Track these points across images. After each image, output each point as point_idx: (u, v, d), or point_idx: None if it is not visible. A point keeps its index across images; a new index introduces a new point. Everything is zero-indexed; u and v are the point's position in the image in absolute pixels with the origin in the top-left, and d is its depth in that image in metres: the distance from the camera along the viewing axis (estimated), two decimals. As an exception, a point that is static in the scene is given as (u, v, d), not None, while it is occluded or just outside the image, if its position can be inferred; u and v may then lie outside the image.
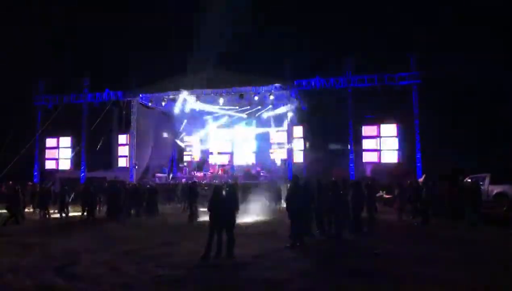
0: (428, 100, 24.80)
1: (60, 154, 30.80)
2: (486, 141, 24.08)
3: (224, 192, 9.70)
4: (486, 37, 26.39)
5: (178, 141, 32.62)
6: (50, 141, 30.85)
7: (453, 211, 15.37)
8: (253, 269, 8.09)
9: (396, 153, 25.20)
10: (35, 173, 29.62)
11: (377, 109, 25.30)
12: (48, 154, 30.85)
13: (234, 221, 9.34)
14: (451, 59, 26.46)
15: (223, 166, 30.34)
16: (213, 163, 31.02)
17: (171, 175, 29.73)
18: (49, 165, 30.78)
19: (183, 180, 27.39)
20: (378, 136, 25.75)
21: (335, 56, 26.84)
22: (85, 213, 17.20)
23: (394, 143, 25.34)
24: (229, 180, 22.87)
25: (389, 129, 25.64)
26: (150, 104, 29.36)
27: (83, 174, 28.85)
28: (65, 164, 30.65)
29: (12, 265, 8.49)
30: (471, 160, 21.89)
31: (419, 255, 9.21)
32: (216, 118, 31.79)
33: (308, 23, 31.61)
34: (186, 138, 33.30)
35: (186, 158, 33.08)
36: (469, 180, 17.28)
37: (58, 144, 30.85)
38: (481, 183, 16.85)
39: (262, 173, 28.40)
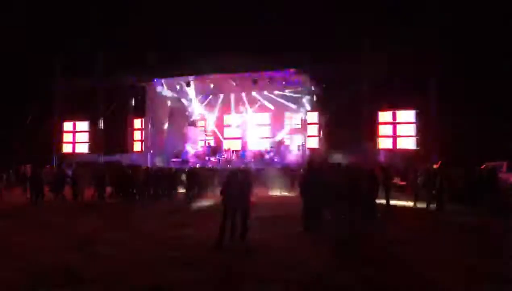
0: (446, 85, 24.35)
1: (76, 137, 31.20)
2: (505, 129, 23.59)
3: (238, 177, 9.77)
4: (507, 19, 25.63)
5: (192, 126, 32.78)
6: (67, 125, 31.25)
7: (468, 198, 15.22)
8: (266, 252, 8.17)
9: (412, 139, 24.91)
10: (53, 156, 30.16)
11: (394, 95, 24.93)
12: (65, 137, 31.29)
13: (248, 205, 9.42)
14: (470, 43, 25.87)
15: (237, 151, 30.45)
16: (226, 148, 31.14)
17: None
18: (66, 148, 31.25)
19: (197, 165, 27.64)
20: (394, 122, 25.46)
21: (351, 40, 26.39)
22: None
23: (411, 129, 25.02)
24: (241, 166, 23.03)
25: (406, 115, 25.31)
26: (164, 88, 29.54)
27: (99, 158, 29.29)
28: (82, 148, 31.07)
29: (34, 244, 8.77)
30: (488, 147, 21.55)
31: (433, 241, 9.18)
32: (229, 103, 31.84)
33: (324, 6, 31.09)
34: (200, 123, 33.48)
35: (200, 143, 33.27)
36: (486, 168, 17.07)
37: (74, 128, 31.24)
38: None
39: (276, 158, 28.47)
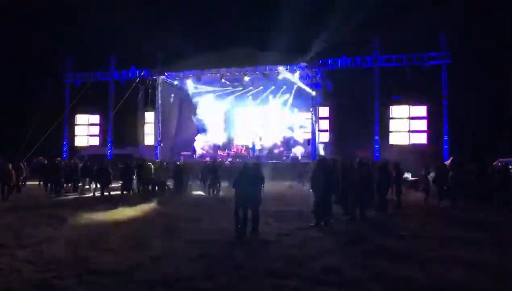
0: (458, 81, 24.15)
1: (88, 130, 31.47)
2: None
3: (249, 170, 9.79)
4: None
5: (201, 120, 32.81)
6: (78, 118, 31.52)
7: (481, 194, 15.09)
8: (278, 246, 8.19)
9: (424, 134, 24.74)
10: (64, 149, 30.46)
11: (405, 90, 24.77)
12: (77, 130, 31.56)
13: (260, 198, 9.44)
14: (484, 38, 25.57)
15: (246, 145, 30.44)
16: (236, 143, 31.13)
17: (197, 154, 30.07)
18: (77, 141, 31.53)
19: (207, 159, 27.79)
20: (406, 117, 25.27)
21: (363, 35, 26.22)
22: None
23: (422, 124, 24.84)
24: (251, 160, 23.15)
25: (417, 111, 25.13)
26: (175, 82, 29.64)
27: (110, 151, 29.51)
28: (92, 141, 31.34)
29: (47, 237, 8.87)
30: (500, 143, 21.34)
31: (445, 236, 9.11)
32: (239, 97, 31.83)
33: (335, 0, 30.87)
34: (210, 117, 33.49)
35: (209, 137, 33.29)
36: (499, 163, 16.88)
37: (86, 121, 31.49)
38: (510, 166, 16.42)
39: (286, 152, 28.46)
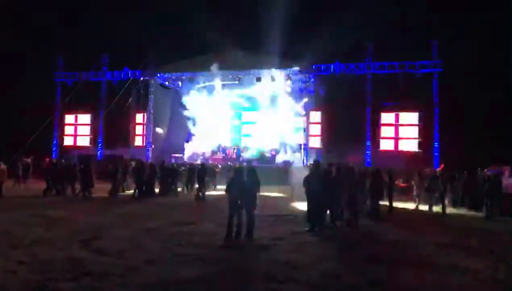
0: (449, 89, 24.47)
1: (78, 130, 31.08)
2: (507, 133, 23.68)
3: (243, 174, 9.76)
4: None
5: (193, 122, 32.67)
6: (69, 118, 31.14)
7: (471, 202, 15.30)
8: (273, 251, 8.16)
9: (415, 141, 24.93)
10: (54, 149, 30.09)
11: (397, 97, 24.99)
12: (67, 130, 31.17)
13: (255, 202, 9.41)
14: (474, 47, 25.99)
15: (235, 148, 30.38)
16: (227, 146, 31.06)
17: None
18: (67, 141, 31.15)
19: (198, 161, 27.68)
20: (397, 124, 25.46)
21: (356, 42, 26.48)
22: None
23: (413, 131, 25.04)
24: (241, 163, 23.18)
25: (409, 117, 25.33)
26: (167, 84, 29.53)
27: (100, 151, 29.25)
28: (83, 141, 30.96)
29: (39, 238, 8.73)
30: (490, 152, 21.62)
31: (438, 243, 9.17)
32: (231, 100, 31.76)
33: (329, 7, 31.10)
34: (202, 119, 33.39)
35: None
36: (488, 172, 17.09)
37: (76, 121, 31.13)
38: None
39: (277, 156, 28.46)
